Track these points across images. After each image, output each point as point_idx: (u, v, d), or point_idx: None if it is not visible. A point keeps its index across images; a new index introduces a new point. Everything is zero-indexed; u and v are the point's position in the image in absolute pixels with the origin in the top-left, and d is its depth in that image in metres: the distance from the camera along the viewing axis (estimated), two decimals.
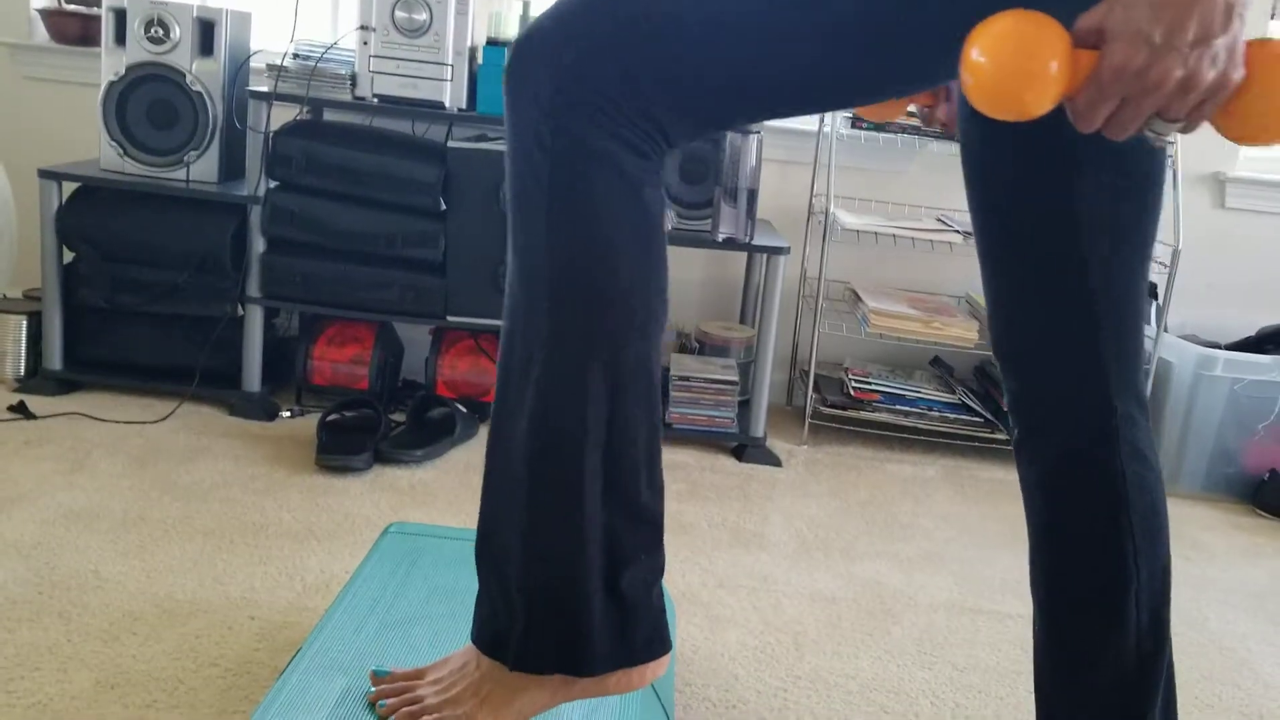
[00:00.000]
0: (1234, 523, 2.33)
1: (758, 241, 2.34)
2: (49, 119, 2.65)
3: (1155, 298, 2.62)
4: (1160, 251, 2.48)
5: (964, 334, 2.44)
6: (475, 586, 1.14)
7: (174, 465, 1.99)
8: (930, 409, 2.48)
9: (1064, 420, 0.99)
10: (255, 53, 2.39)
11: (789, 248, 2.34)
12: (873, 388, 2.51)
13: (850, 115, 2.54)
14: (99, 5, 2.61)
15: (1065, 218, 0.95)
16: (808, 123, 2.63)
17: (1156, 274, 2.51)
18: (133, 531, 1.71)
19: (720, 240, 2.33)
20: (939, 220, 2.58)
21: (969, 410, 2.50)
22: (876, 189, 2.69)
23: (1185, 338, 2.61)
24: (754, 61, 0.85)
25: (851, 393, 2.50)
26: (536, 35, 0.87)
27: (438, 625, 1.18)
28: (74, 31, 2.60)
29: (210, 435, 2.17)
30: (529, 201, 0.88)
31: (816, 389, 2.52)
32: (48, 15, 2.62)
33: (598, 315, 0.88)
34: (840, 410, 2.50)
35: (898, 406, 2.48)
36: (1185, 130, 0.78)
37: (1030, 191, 0.96)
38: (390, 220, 2.26)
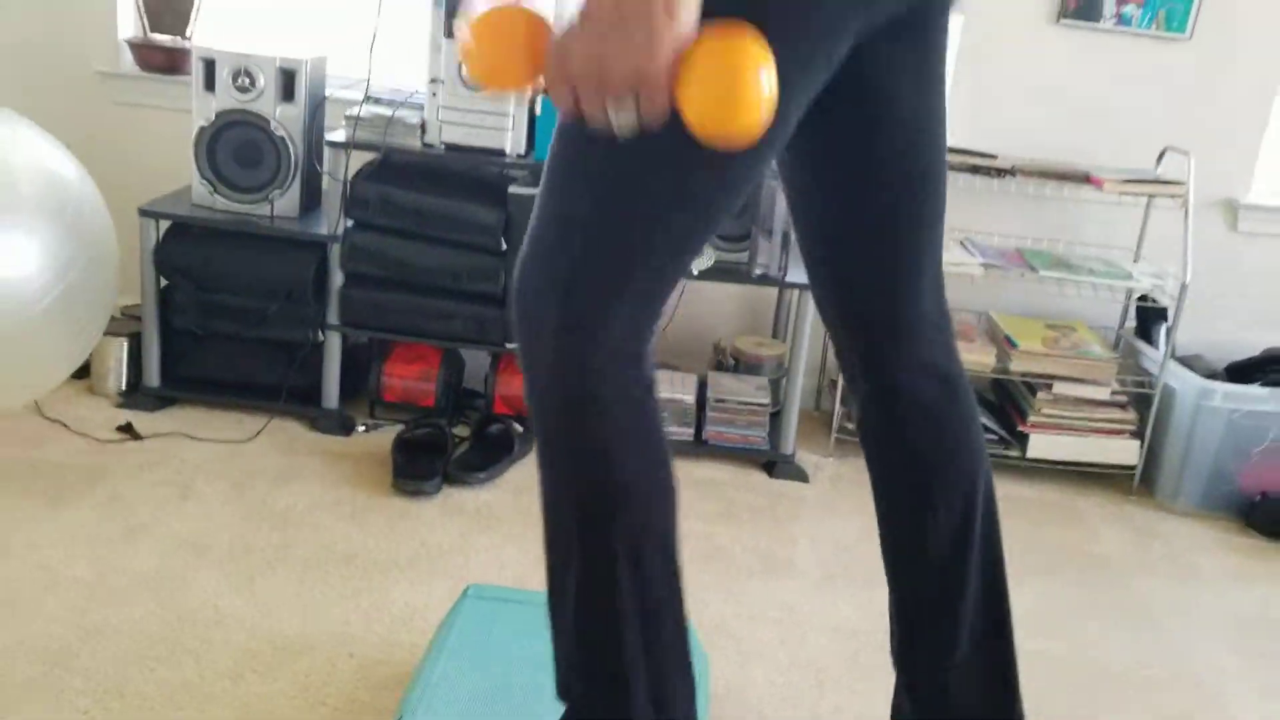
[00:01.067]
0: (1227, 542, 2.54)
1: (791, 279, 2.53)
2: (137, 143, 2.86)
3: (1165, 319, 2.79)
4: (1171, 284, 2.65)
5: (981, 359, 2.64)
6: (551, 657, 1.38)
7: (269, 488, 2.25)
8: None
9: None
10: (328, 98, 2.58)
11: None
12: None
13: None
14: (184, 36, 2.81)
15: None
16: None
17: (1167, 301, 2.68)
18: (241, 562, 1.97)
19: (756, 276, 2.53)
20: (962, 245, 2.75)
21: (985, 429, 2.70)
22: None
23: (1191, 357, 2.79)
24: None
25: None
26: (524, 276, 1.03)
27: (523, 696, 1.43)
28: (159, 61, 2.80)
29: (297, 454, 2.42)
30: (546, 425, 1.07)
31: (843, 402, 2.73)
32: (135, 46, 2.81)
33: (612, 520, 1.07)
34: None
35: None
36: (644, 124, 0.86)
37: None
38: (456, 257, 2.47)
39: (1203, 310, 2.88)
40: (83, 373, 2.55)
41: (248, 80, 2.46)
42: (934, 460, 1.27)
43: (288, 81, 2.47)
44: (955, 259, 2.61)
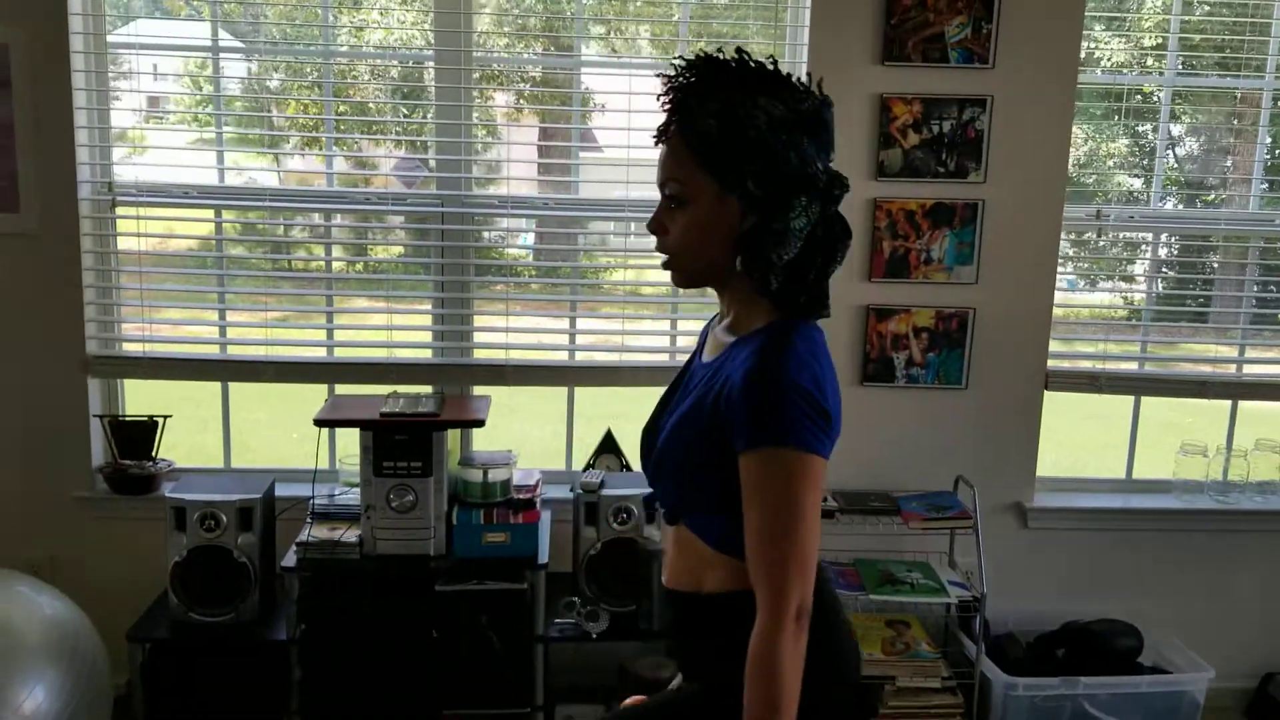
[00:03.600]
0: None
1: None
2: (112, 550, 3.35)
3: (979, 612, 3.42)
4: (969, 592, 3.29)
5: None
6: None
7: None
8: None
9: None
10: (282, 512, 3.14)
11: None
12: None
13: None
14: (150, 462, 3.35)
15: None
16: None
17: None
18: None
19: None
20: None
21: None
22: None
23: (1004, 636, 3.42)
24: None
25: None
26: None
27: None
28: (130, 483, 3.33)
29: None
30: None
31: None
32: (106, 471, 3.35)
33: None
34: None
35: None
36: None
37: None
38: (393, 649, 3.01)
39: (1011, 589, 3.52)
40: None
41: (213, 521, 3.00)
42: None
43: (245, 516, 3.02)
44: None
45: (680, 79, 1.61)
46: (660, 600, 1.82)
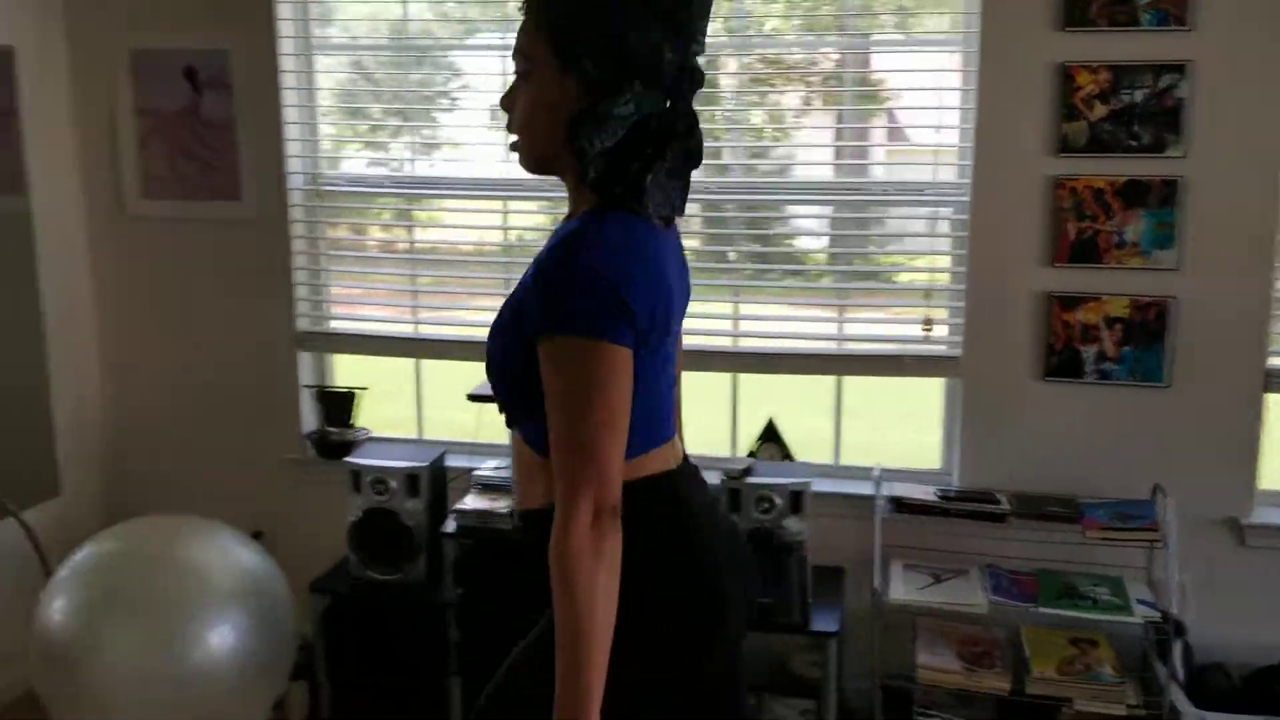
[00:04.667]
0: None
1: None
2: (312, 509, 3.65)
3: (1184, 633, 3.07)
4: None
5: (998, 684, 3.00)
6: None
7: None
8: None
9: None
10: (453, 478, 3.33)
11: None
12: None
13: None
14: (349, 429, 3.64)
15: None
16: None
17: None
18: None
19: None
20: (982, 570, 3.14)
21: None
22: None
23: (1211, 666, 3.05)
24: None
25: None
26: None
27: None
28: (331, 448, 3.64)
29: None
30: None
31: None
32: (313, 437, 3.67)
33: None
34: None
35: None
36: None
37: None
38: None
39: (1224, 614, 3.13)
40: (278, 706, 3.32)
41: (382, 485, 3.22)
42: None
43: (412, 483, 3.22)
44: (964, 598, 3.02)
45: None
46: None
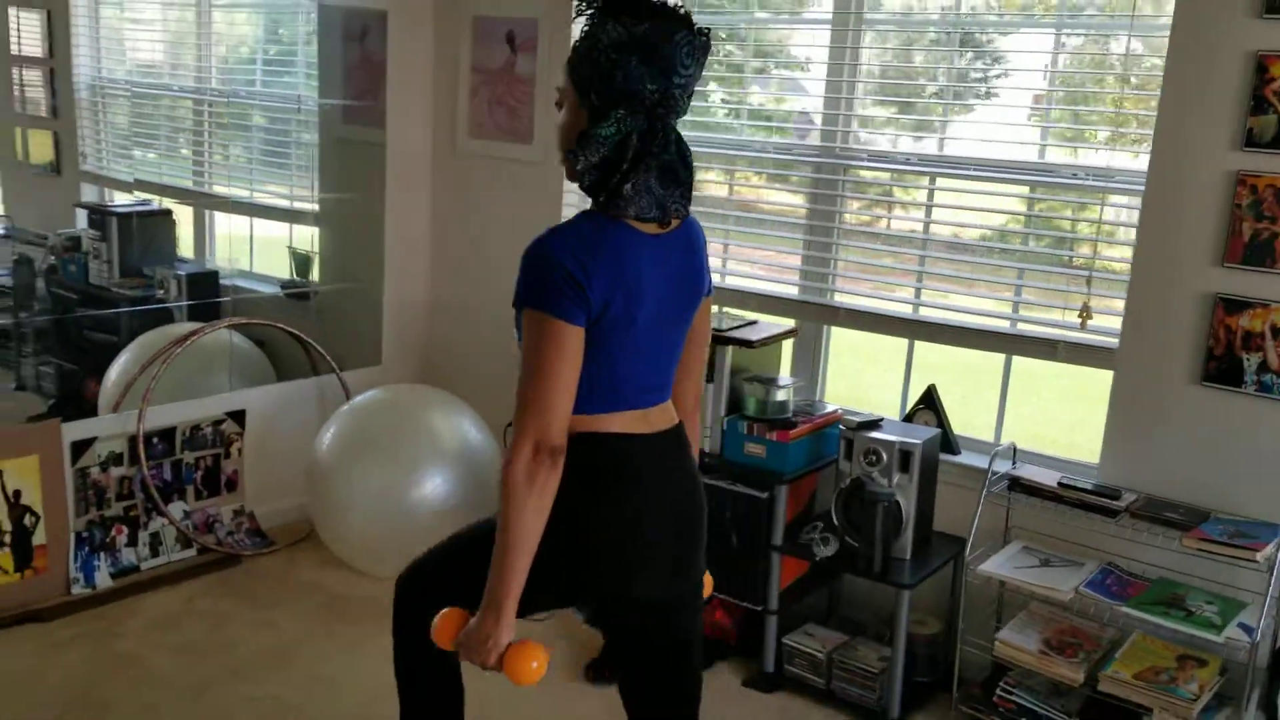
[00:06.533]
0: None
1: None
2: None
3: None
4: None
5: (1069, 673, 2.95)
6: None
7: None
8: None
9: None
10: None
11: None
12: (1014, 699, 3.11)
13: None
14: None
15: None
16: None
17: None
18: None
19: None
20: (1101, 566, 3.07)
21: None
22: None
23: None
24: None
25: (995, 699, 3.14)
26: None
27: None
28: None
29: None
30: None
31: (961, 683, 3.19)
32: None
33: None
34: (977, 714, 3.15)
35: None
36: (487, 669, 1.88)
37: None
38: None
39: None
40: None
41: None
42: None
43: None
44: (1053, 583, 3.00)
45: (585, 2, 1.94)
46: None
